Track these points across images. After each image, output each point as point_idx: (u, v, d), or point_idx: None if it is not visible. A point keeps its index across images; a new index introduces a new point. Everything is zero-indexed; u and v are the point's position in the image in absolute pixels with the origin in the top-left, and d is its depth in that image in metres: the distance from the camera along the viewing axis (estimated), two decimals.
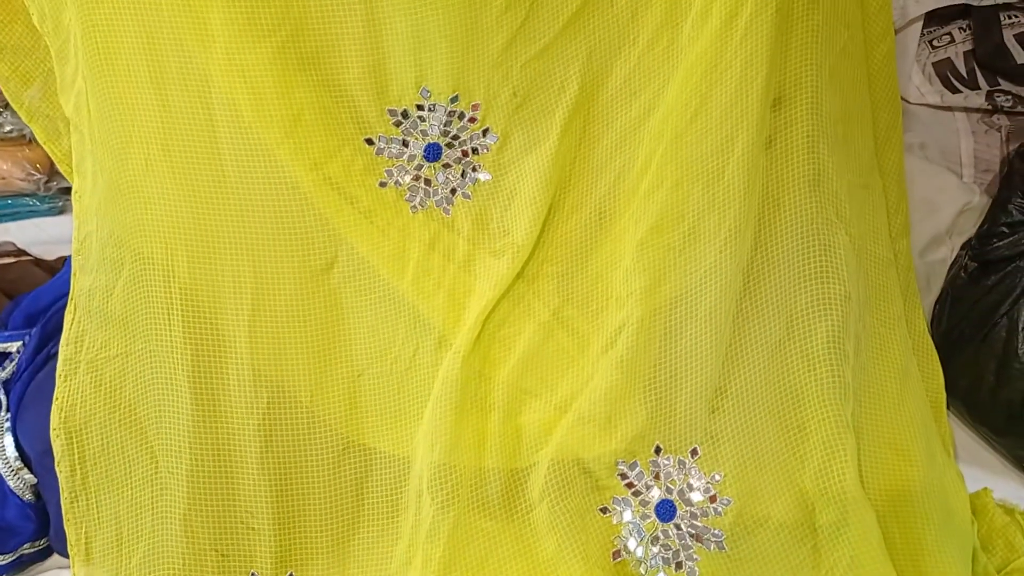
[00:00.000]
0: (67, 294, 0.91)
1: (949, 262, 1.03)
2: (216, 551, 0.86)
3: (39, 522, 0.92)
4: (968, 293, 0.96)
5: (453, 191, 0.90)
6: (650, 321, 0.83)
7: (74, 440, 0.88)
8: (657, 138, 0.85)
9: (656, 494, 0.83)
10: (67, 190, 1.31)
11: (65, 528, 0.87)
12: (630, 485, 0.83)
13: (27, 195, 1.20)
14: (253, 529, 0.86)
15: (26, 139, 1.14)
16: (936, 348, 0.94)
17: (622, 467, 0.83)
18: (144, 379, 0.88)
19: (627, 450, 0.83)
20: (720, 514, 0.82)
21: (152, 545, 0.86)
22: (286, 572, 0.87)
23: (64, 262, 1.10)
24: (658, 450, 0.84)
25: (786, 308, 0.84)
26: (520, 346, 0.88)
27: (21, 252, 1.18)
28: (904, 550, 0.80)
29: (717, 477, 0.84)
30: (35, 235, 1.23)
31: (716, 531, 0.82)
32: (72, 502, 0.88)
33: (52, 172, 1.16)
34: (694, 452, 0.84)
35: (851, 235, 0.86)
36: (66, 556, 0.88)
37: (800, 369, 0.84)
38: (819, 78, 0.84)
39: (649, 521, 0.82)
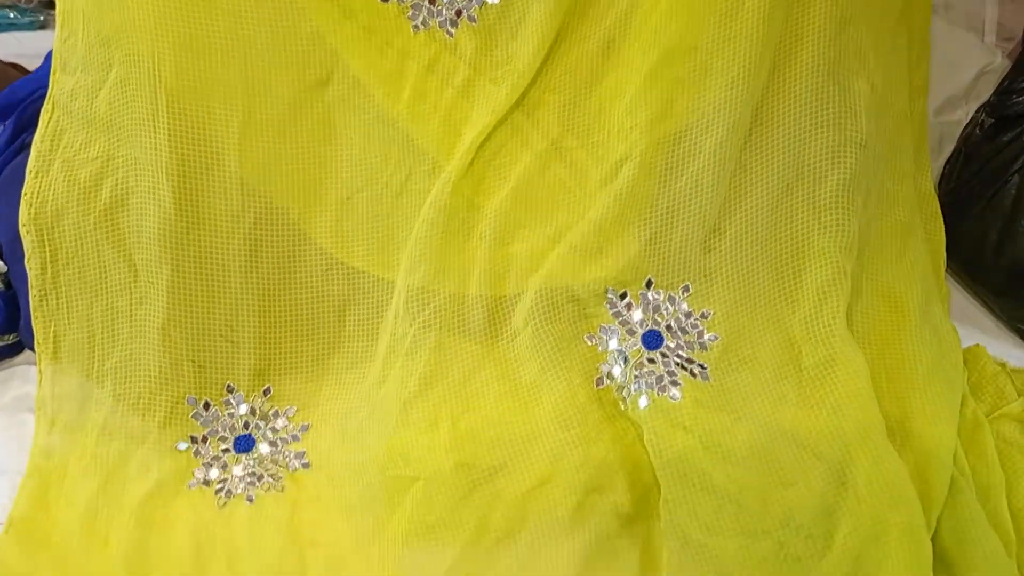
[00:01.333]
0: (44, 87, 0.87)
1: (964, 124, 0.99)
2: (193, 362, 0.84)
3: (8, 312, 0.90)
4: (981, 150, 0.93)
5: (459, 12, 0.86)
6: (652, 154, 0.80)
7: (45, 238, 0.85)
8: None
9: (644, 324, 0.81)
10: (48, 3, 1.26)
11: (33, 325, 0.85)
12: (618, 314, 0.81)
13: (7, 6, 1.15)
14: (232, 343, 0.85)
15: None
16: (942, 207, 0.92)
17: (611, 296, 0.81)
18: (127, 185, 0.85)
19: (618, 279, 0.81)
20: (706, 348, 0.81)
21: (129, 352, 0.85)
22: (263, 386, 0.86)
23: None
24: (649, 284, 0.82)
25: (797, 153, 0.81)
26: (515, 176, 0.85)
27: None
28: (890, 392, 0.79)
29: (707, 314, 0.82)
30: (15, 49, 1.20)
31: (701, 362, 0.80)
32: (41, 300, 0.86)
33: None
34: (686, 289, 0.82)
35: (873, 84, 0.82)
36: (35, 351, 0.86)
37: (805, 215, 0.81)
38: None
39: (635, 349, 0.80)
